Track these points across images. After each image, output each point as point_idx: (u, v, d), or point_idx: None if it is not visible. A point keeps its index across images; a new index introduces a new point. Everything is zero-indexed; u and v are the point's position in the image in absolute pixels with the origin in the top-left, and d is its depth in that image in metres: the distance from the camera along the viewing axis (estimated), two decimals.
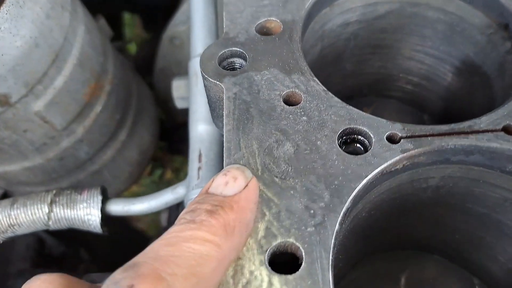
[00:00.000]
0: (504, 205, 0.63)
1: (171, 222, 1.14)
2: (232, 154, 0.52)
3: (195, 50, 0.91)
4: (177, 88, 1.13)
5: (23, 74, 0.83)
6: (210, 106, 0.66)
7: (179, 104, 1.16)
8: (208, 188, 0.46)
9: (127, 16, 2.21)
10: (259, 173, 0.50)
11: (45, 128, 0.95)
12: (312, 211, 0.47)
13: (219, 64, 0.61)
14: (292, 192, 0.49)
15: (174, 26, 1.31)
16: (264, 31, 0.65)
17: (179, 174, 2.30)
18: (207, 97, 0.64)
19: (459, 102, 0.83)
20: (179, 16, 1.30)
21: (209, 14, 0.93)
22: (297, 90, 0.58)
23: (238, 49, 0.62)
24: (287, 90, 0.58)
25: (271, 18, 0.65)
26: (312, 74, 0.59)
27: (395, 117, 0.93)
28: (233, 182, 0.46)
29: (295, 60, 0.60)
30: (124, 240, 1.28)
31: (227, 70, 0.62)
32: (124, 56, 1.32)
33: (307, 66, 0.60)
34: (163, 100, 1.53)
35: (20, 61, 0.81)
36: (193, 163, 0.84)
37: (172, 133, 1.57)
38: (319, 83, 0.58)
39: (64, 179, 1.12)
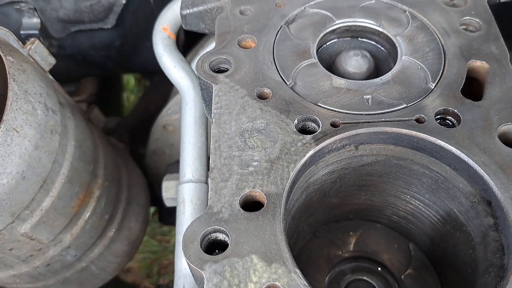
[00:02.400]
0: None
1: None
2: None
3: (184, 175, 0.91)
4: (167, 189, 1.13)
5: (9, 206, 0.83)
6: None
7: (169, 203, 1.16)
8: None
9: (129, 81, 2.23)
10: None
11: (31, 244, 0.95)
12: None
13: (201, 243, 0.61)
14: None
15: (167, 115, 1.32)
16: (248, 205, 0.65)
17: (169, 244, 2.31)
18: None
19: (443, 245, 0.83)
20: (171, 105, 1.31)
21: (199, 137, 0.93)
22: (277, 283, 0.58)
23: (221, 227, 0.62)
24: (268, 283, 0.58)
25: (255, 190, 0.66)
26: (294, 264, 0.59)
27: (382, 243, 0.93)
28: None
29: (277, 245, 0.61)
30: None
31: (210, 245, 0.62)
32: (114, 147, 1.32)
33: (289, 252, 0.60)
34: (155, 175, 1.53)
35: (6, 196, 0.81)
36: None
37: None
38: (300, 275, 0.58)
39: (50, 279, 1.12)
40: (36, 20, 1.22)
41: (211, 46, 1.38)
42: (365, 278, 0.90)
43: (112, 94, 2.12)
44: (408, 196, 0.83)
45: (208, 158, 0.95)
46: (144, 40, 1.47)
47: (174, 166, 1.28)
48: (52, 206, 0.92)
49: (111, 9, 1.22)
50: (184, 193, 0.89)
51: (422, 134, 0.70)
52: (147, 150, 1.45)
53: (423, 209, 0.83)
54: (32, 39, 1.01)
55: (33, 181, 0.85)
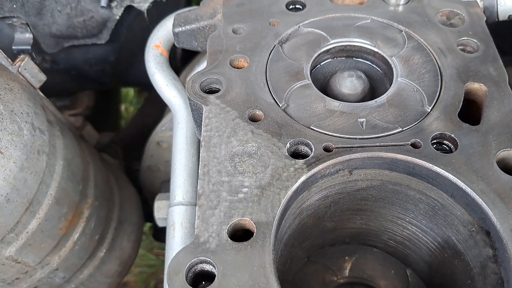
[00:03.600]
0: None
1: None
2: None
3: (175, 197, 0.88)
4: (159, 209, 1.11)
5: None
6: None
7: (161, 223, 1.14)
8: None
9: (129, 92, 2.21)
10: None
11: (17, 267, 0.93)
12: None
13: (187, 275, 0.59)
14: None
15: (161, 131, 1.30)
16: (236, 234, 0.63)
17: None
18: None
19: (441, 272, 0.80)
20: (165, 122, 1.29)
21: (190, 157, 0.91)
22: None
23: (207, 259, 0.59)
24: None
25: (244, 218, 0.63)
26: None
27: (378, 268, 0.91)
28: None
29: (266, 278, 0.58)
30: None
31: (196, 276, 0.60)
32: (106, 164, 1.30)
33: (279, 286, 0.57)
34: (150, 192, 1.51)
35: None
36: None
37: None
38: None
39: None
40: (28, 36, 1.21)
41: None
42: None
43: (110, 107, 2.10)
44: (405, 222, 0.80)
45: None
46: (140, 55, 1.45)
47: (168, 184, 1.26)
48: (38, 228, 0.89)
49: (105, 24, 1.20)
50: (174, 216, 0.87)
51: (418, 160, 0.67)
52: (142, 166, 1.43)
53: (420, 235, 0.80)
54: (21, 56, 1.00)
55: (18, 204, 0.83)
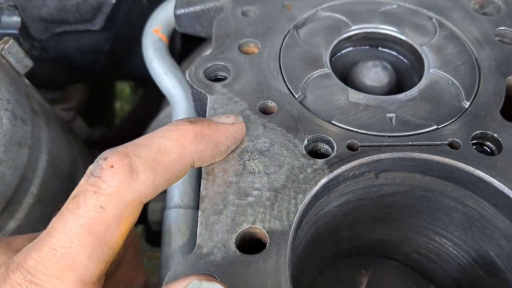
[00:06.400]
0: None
1: None
2: None
3: (172, 198, 0.79)
4: (153, 211, 1.01)
5: None
6: None
7: (155, 227, 1.04)
8: None
9: (124, 89, 2.10)
10: None
11: None
12: None
13: None
14: None
15: (157, 126, 1.19)
16: (246, 244, 0.53)
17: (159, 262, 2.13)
18: None
19: None
20: (162, 117, 1.19)
21: None
22: None
23: (212, 274, 0.50)
24: None
25: (255, 226, 0.53)
26: None
27: (398, 283, 0.81)
28: (225, 118, 0.58)
29: None
30: None
31: None
32: None
33: None
34: None
35: None
36: None
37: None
38: None
39: None
40: (16, 19, 1.10)
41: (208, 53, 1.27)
42: None
43: (104, 103, 1.99)
44: (433, 233, 0.71)
45: (200, 181, 0.83)
46: (137, 45, 1.35)
47: None
48: (17, 231, 0.79)
49: (99, 9, 1.11)
50: (171, 220, 0.77)
51: (458, 162, 0.58)
52: None
53: (451, 248, 0.71)
54: (5, 38, 0.90)
55: None
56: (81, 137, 1.16)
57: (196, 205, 0.80)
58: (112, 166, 0.48)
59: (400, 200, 0.67)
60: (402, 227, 0.73)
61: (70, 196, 0.49)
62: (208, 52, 1.23)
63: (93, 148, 1.22)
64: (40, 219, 0.85)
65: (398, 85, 0.73)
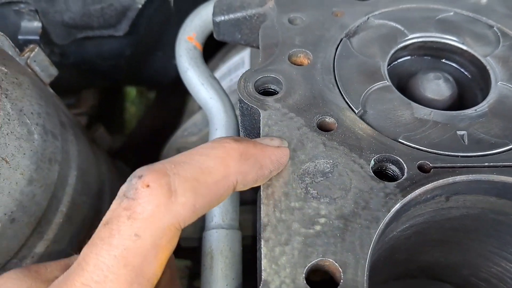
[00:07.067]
0: None
1: None
2: None
3: (212, 218, 0.73)
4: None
5: None
6: None
7: (185, 243, 0.99)
8: None
9: (130, 91, 2.05)
10: None
11: None
12: None
13: None
14: None
15: (182, 137, 1.15)
16: (316, 280, 0.48)
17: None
18: None
19: None
20: (188, 126, 1.14)
21: None
22: None
23: None
24: None
25: (326, 258, 0.48)
26: None
27: None
28: (270, 140, 0.54)
29: None
30: None
31: None
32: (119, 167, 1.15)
33: None
34: None
35: None
36: None
37: None
38: None
39: None
40: (37, 24, 1.06)
41: (233, 60, 1.22)
42: None
43: (115, 106, 1.95)
44: (499, 257, 0.66)
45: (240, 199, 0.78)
46: (156, 50, 1.30)
47: None
48: (46, 252, 0.74)
49: (125, 14, 1.06)
50: (212, 242, 0.71)
51: None
52: None
53: None
54: (31, 46, 0.85)
55: (25, 224, 0.68)
56: (104, 148, 1.11)
57: (236, 225, 0.75)
58: (148, 186, 0.43)
59: (467, 223, 0.62)
60: (465, 250, 0.68)
61: (102, 222, 0.44)
62: (233, 58, 1.19)
63: (116, 159, 1.17)
64: (69, 240, 0.80)
65: (459, 99, 0.68)
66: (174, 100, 1.62)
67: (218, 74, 1.24)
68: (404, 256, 0.70)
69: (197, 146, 0.49)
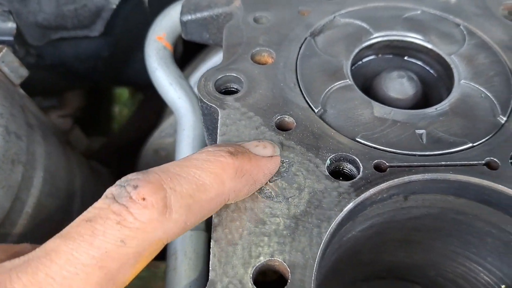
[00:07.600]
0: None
1: None
2: None
3: None
4: None
5: None
6: None
7: None
8: (240, 143, 0.53)
9: (122, 93, 2.05)
10: None
11: None
12: None
13: None
14: None
15: (160, 138, 1.14)
16: (264, 280, 0.47)
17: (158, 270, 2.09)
18: None
19: None
20: (165, 127, 1.13)
21: None
22: None
23: None
24: None
25: (274, 258, 0.47)
26: None
27: None
28: (262, 148, 0.52)
29: None
30: None
31: None
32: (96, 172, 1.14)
33: None
34: None
35: None
36: None
37: None
38: None
39: None
40: (11, 25, 1.04)
41: (213, 60, 1.21)
42: None
43: (102, 108, 1.94)
44: (462, 257, 0.66)
45: None
46: (135, 51, 1.29)
47: None
48: None
49: (99, 14, 1.05)
50: (177, 244, 0.71)
51: (498, 185, 0.52)
52: None
53: (482, 274, 0.65)
54: None
55: None
56: (79, 149, 1.11)
57: (203, 227, 0.74)
58: (144, 199, 0.41)
59: (427, 223, 0.62)
60: (428, 250, 0.67)
61: (82, 218, 0.42)
62: (213, 58, 1.18)
63: (91, 159, 1.16)
64: (35, 242, 0.79)
65: (424, 98, 0.68)
66: (156, 100, 1.62)
67: (198, 74, 1.23)
68: (369, 257, 0.69)
69: (191, 156, 0.48)
